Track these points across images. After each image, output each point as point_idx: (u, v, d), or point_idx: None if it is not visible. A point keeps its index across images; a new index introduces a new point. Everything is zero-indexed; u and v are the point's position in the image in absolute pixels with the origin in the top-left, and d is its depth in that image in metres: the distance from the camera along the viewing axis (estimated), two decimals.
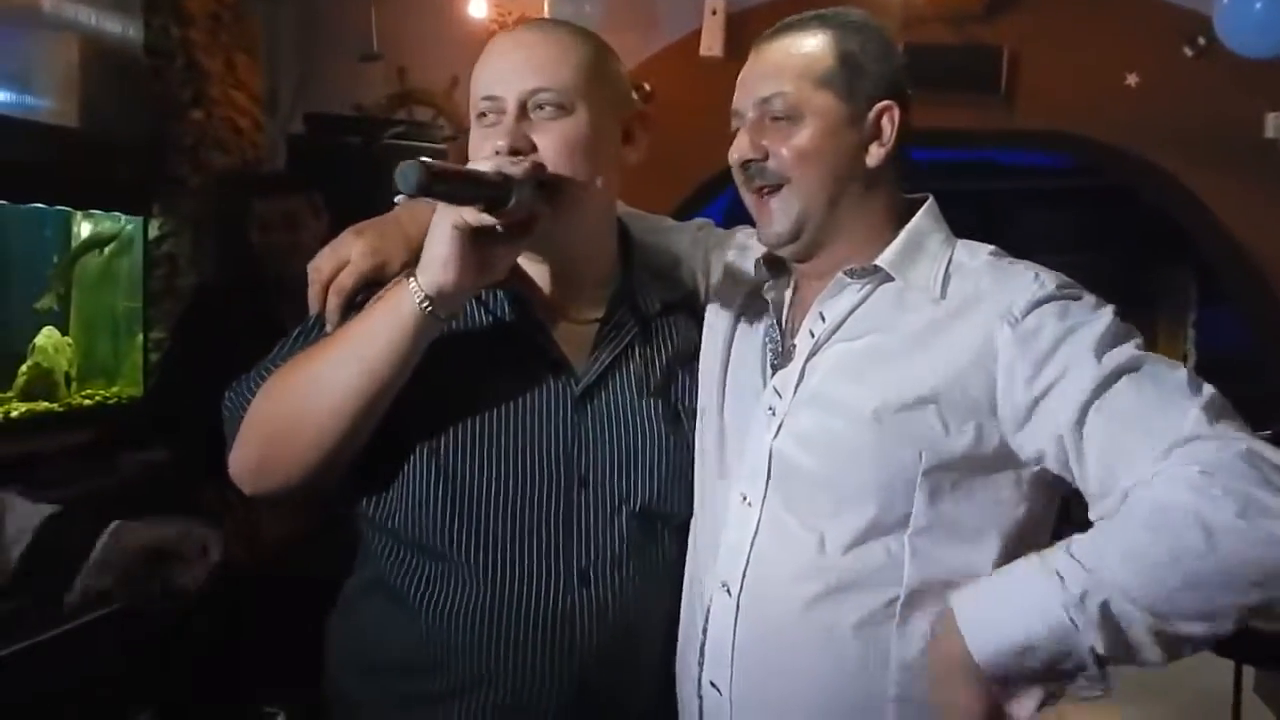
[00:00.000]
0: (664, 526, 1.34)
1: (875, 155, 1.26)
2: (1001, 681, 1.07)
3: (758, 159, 1.26)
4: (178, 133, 3.51)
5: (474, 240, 1.17)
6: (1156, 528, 1.04)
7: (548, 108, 1.26)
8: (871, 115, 1.25)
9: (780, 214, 1.27)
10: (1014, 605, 1.07)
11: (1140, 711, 3.75)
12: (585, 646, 1.27)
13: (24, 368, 3.34)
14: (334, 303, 1.29)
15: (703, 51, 3.81)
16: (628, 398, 1.35)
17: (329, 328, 1.30)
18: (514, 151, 1.24)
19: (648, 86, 3.59)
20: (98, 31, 3.38)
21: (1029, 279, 1.21)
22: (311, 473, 1.28)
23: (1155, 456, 1.08)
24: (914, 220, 1.28)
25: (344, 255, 1.31)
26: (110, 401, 3.52)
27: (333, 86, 4.15)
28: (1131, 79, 3.79)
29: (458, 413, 1.29)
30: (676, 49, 3.90)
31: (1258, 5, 2.94)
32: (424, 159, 1.09)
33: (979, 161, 6.36)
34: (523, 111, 1.26)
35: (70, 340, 3.55)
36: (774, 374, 1.29)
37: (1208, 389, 1.13)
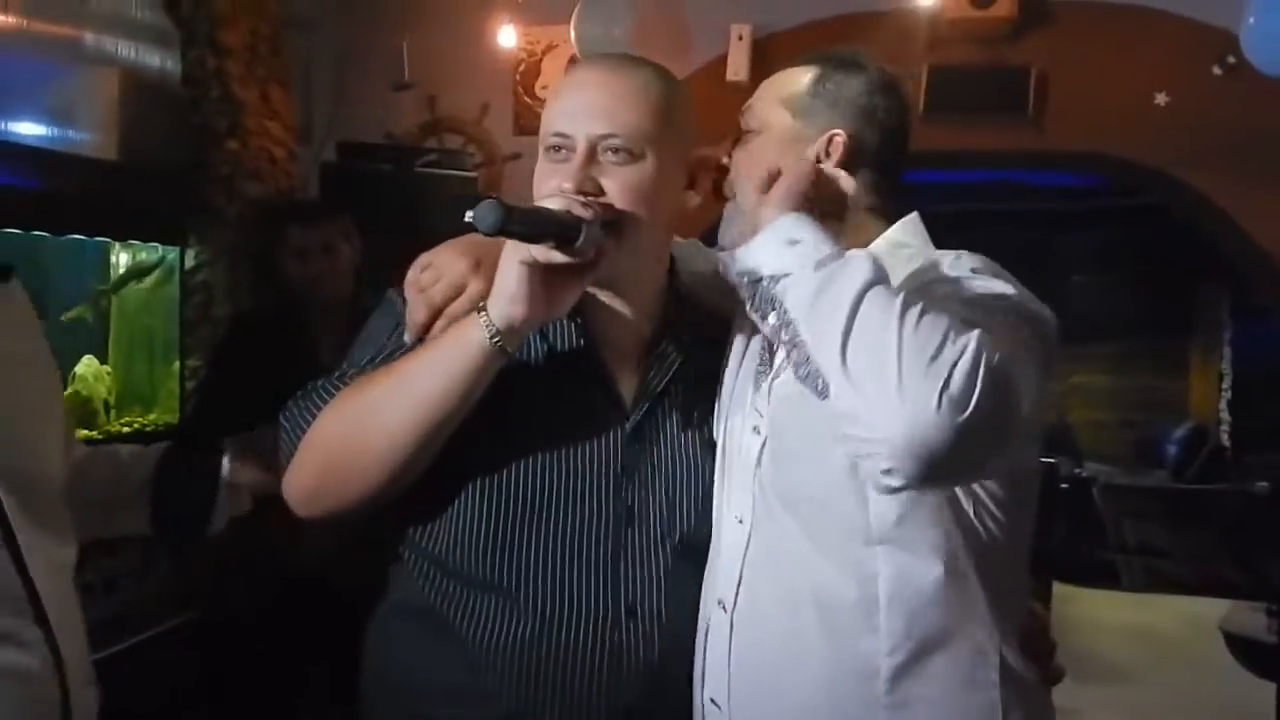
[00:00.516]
0: (700, 556, 1.35)
1: None
2: None
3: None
4: (214, 162, 3.57)
5: (543, 276, 1.19)
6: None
7: (619, 153, 1.27)
8: (820, 141, 1.31)
9: (726, 222, 1.34)
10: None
11: None
12: (631, 678, 1.28)
13: (64, 396, 3.40)
14: (441, 328, 1.28)
15: (729, 76, 3.84)
16: (672, 431, 1.37)
17: None
18: (580, 193, 1.24)
19: None
20: (137, 65, 3.45)
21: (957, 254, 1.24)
22: (366, 500, 1.28)
23: None
24: (886, 233, 1.31)
25: (459, 283, 1.29)
26: (148, 429, 3.57)
27: (365, 116, 4.20)
28: (1161, 98, 3.77)
29: (512, 444, 1.30)
30: (703, 74, 3.92)
31: None
32: (500, 199, 1.11)
33: (1009, 182, 6.33)
34: (591, 153, 1.27)
35: (109, 369, 3.60)
36: (756, 392, 1.33)
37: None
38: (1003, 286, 1.18)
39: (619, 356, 1.37)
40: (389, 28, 4.17)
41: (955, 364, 0.99)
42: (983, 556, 1.21)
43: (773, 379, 1.29)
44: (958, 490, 1.19)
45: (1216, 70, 3.66)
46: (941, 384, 0.98)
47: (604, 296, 1.35)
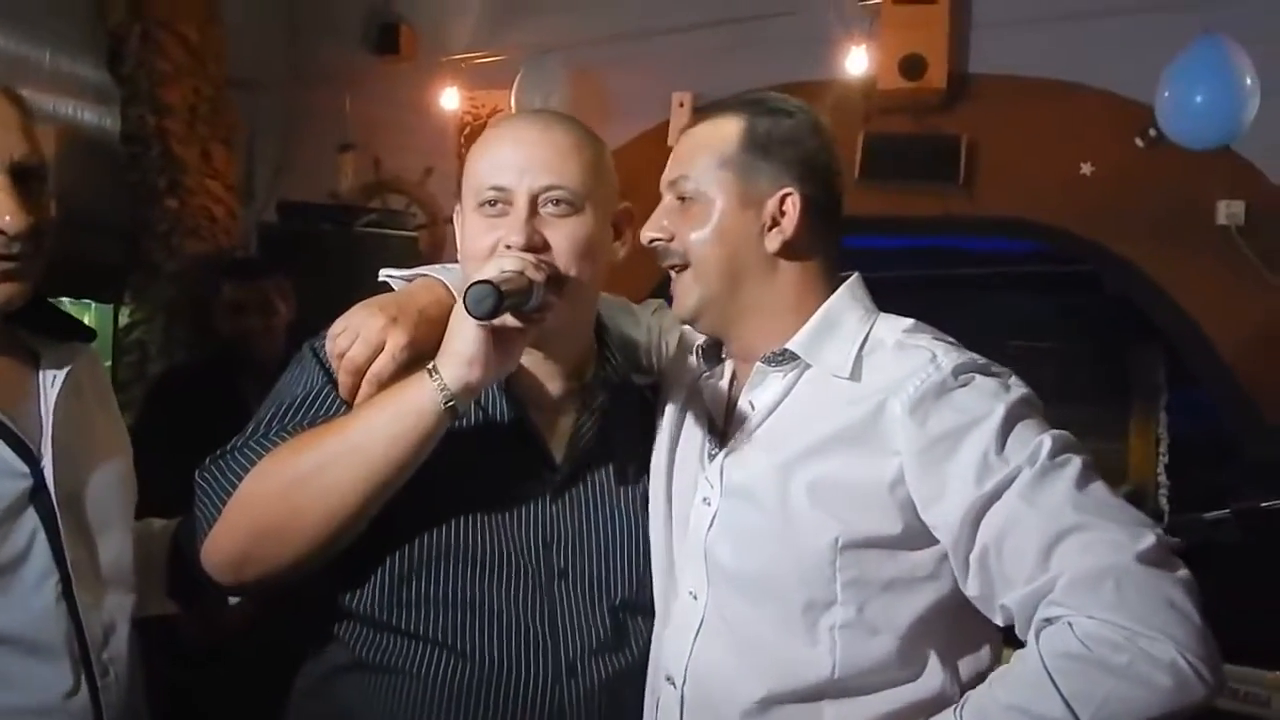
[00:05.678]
0: (643, 618, 1.33)
1: (774, 241, 1.26)
2: None
3: (663, 239, 1.29)
4: (152, 219, 3.55)
5: (494, 337, 1.18)
6: (1037, 696, 1.08)
7: (560, 205, 1.27)
8: (772, 201, 1.26)
9: (683, 294, 1.29)
10: None
11: None
12: None
13: None
14: (369, 392, 1.24)
15: (670, 142, 3.90)
16: (605, 487, 1.36)
17: None
18: (529, 248, 1.24)
19: None
20: (75, 122, 3.43)
21: (924, 360, 1.19)
22: (297, 566, 1.24)
23: (1036, 582, 1.10)
24: (830, 300, 1.28)
25: (377, 342, 1.24)
26: None
27: (309, 176, 4.22)
28: (1086, 168, 3.89)
29: (439, 503, 1.28)
30: (646, 139, 3.99)
31: (1198, 99, 3.04)
32: (491, 282, 1.12)
33: (945, 248, 6.47)
34: (533, 207, 1.27)
35: None
36: (709, 463, 1.30)
37: (1093, 490, 1.13)
38: (1026, 431, 1.15)
39: (547, 412, 1.36)
40: (333, 90, 4.21)
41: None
42: (938, 629, 1.20)
43: (725, 455, 1.27)
44: (926, 582, 1.19)
45: (1139, 142, 3.79)
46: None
47: (532, 353, 1.32)
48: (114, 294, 3.56)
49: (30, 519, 1.22)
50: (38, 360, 1.32)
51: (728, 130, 1.28)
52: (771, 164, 1.26)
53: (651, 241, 1.30)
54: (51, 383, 1.30)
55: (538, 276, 1.18)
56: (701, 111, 1.34)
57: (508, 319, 1.16)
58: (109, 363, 3.55)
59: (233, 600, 1.66)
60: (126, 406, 3.45)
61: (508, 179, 1.28)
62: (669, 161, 1.32)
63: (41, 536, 1.23)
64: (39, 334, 1.34)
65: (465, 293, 1.12)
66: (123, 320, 3.55)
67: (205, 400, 2.71)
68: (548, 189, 1.27)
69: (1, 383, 1.27)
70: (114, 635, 1.30)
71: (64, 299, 3.56)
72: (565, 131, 1.32)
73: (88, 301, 3.61)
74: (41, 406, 1.28)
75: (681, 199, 1.29)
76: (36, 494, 1.23)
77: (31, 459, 1.24)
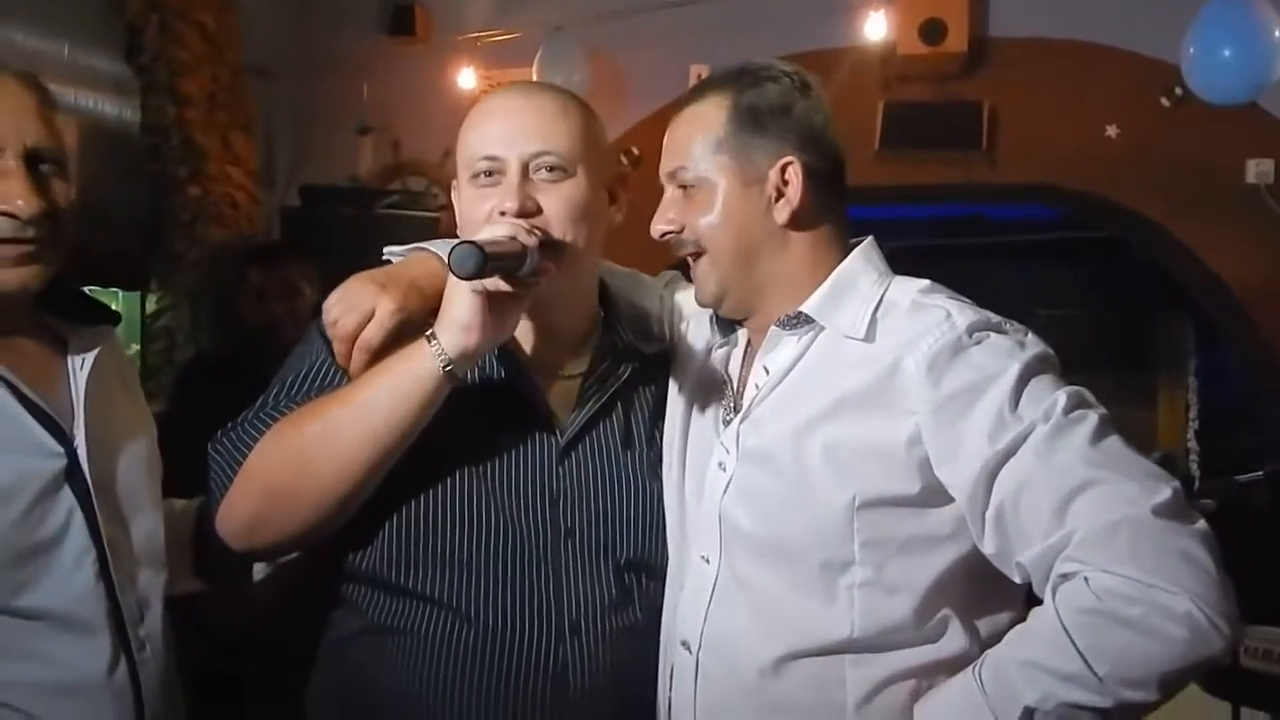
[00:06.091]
0: (648, 578, 1.36)
1: (782, 212, 1.26)
2: None
3: (673, 231, 1.29)
4: (175, 207, 3.57)
5: (490, 302, 1.21)
6: (1054, 651, 1.08)
7: (552, 170, 1.30)
8: (773, 174, 1.25)
9: (703, 280, 1.30)
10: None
11: None
12: (578, 695, 1.28)
13: None
14: (361, 359, 1.28)
15: None
16: (610, 450, 1.38)
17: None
18: (523, 213, 1.27)
19: (636, 150, 3.66)
20: (95, 114, 3.46)
21: (939, 319, 1.19)
22: (308, 531, 1.29)
23: (1052, 538, 1.10)
24: (843, 264, 1.28)
25: (367, 309, 1.28)
26: None
27: (329, 160, 4.23)
28: (1111, 130, 3.84)
29: (445, 467, 1.31)
30: (665, 113, 3.96)
31: (1225, 53, 2.99)
32: (475, 242, 1.13)
33: (969, 216, 6.41)
34: (525, 173, 1.29)
35: None
36: (725, 429, 1.31)
37: (1108, 445, 1.13)
38: (1041, 387, 1.14)
39: (551, 377, 1.38)
40: (350, 74, 4.21)
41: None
42: (957, 589, 1.20)
43: (740, 420, 1.28)
44: (944, 538, 1.19)
45: (1164, 102, 3.74)
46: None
47: (534, 318, 1.36)
48: (140, 282, 3.60)
49: (66, 498, 1.25)
50: (64, 344, 1.34)
51: (716, 110, 1.28)
52: (765, 137, 1.26)
53: (663, 235, 1.31)
54: (81, 365, 1.32)
55: (530, 241, 1.21)
56: (687, 94, 1.33)
57: (500, 283, 1.19)
58: (138, 348, 3.59)
59: (257, 575, 1.68)
60: (156, 393, 3.51)
61: (498, 148, 1.31)
62: (663, 152, 1.32)
63: (78, 516, 1.25)
64: (65, 318, 1.36)
65: (449, 254, 1.13)
66: (150, 307, 3.59)
67: (233, 386, 2.72)
68: (538, 155, 1.30)
69: (32, 366, 1.29)
70: (149, 611, 1.32)
71: (93, 287, 3.62)
72: (552, 98, 1.35)
73: (115, 290, 3.65)
74: (72, 388, 1.31)
75: (684, 188, 1.29)
76: (71, 474, 1.26)
77: (64, 439, 1.26)
